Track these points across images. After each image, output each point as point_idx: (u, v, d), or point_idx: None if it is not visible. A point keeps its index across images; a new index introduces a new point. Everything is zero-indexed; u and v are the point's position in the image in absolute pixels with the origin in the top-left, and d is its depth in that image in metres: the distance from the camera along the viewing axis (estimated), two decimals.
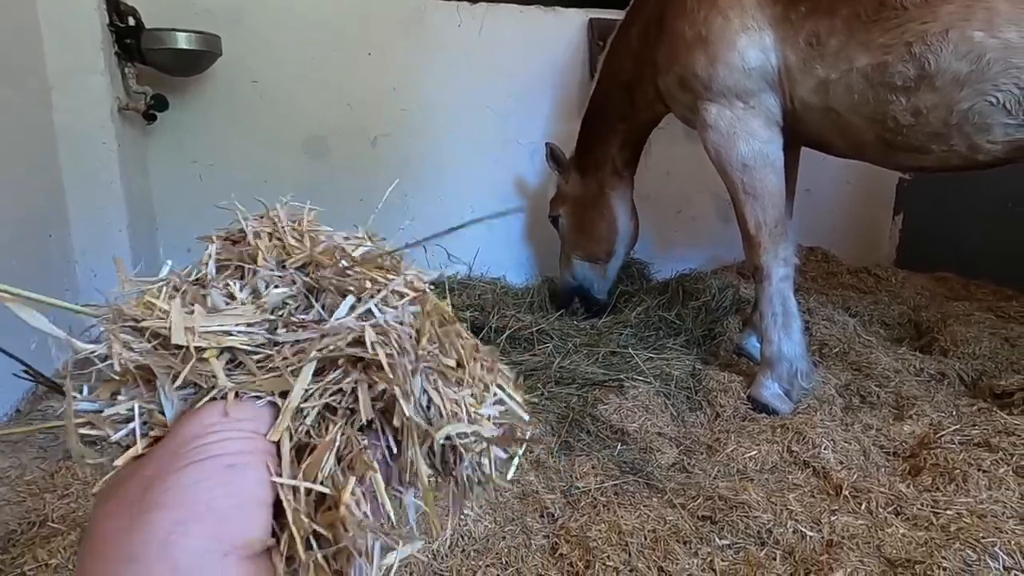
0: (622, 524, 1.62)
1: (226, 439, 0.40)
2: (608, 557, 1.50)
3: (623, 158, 3.08)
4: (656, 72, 2.52)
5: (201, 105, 3.18)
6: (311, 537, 0.40)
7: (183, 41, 2.78)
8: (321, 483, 0.41)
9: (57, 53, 2.57)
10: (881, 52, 1.94)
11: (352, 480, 0.41)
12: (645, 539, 1.58)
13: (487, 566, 1.50)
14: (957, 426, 2.04)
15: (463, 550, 1.53)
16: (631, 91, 2.79)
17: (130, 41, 2.74)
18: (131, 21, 2.77)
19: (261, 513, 0.40)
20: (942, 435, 1.98)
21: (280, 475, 0.41)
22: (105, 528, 0.38)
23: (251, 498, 0.39)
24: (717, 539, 1.61)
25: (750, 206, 2.29)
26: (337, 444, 0.43)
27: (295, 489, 0.41)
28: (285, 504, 0.40)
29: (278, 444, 0.43)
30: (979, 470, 1.80)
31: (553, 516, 1.70)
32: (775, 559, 1.54)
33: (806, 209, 3.64)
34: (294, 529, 0.40)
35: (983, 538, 1.51)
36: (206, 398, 0.43)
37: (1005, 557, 1.47)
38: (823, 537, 1.60)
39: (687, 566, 1.50)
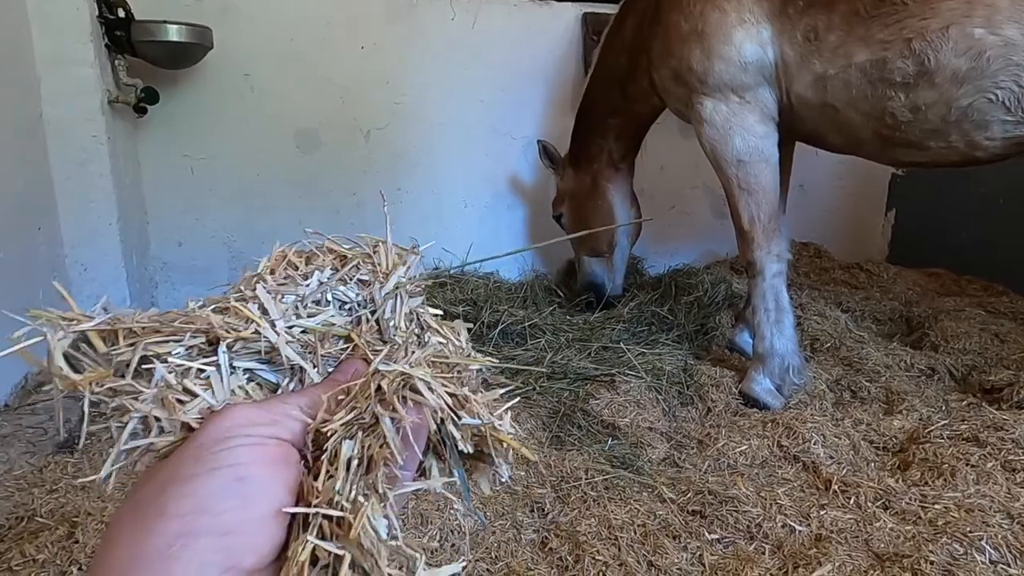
0: (612, 518, 1.62)
1: (240, 447, 0.40)
2: (598, 551, 1.51)
3: (620, 150, 3.07)
4: (651, 66, 2.51)
5: (192, 98, 3.16)
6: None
7: (174, 33, 2.76)
8: (337, 503, 0.40)
9: (46, 45, 2.54)
10: (880, 48, 1.93)
11: (370, 503, 0.40)
12: (635, 533, 1.58)
13: (477, 560, 1.50)
14: (946, 421, 2.05)
15: (452, 544, 1.54)
16: (625, 85, 2.78)
17: (120, 33, 2.72)
18: (121, 13, 2.74)
19: (269, 527, 0.39)
20: (931, 430, 1.99)
21: (298, 482, 0.41)
22: (121, 528, 0.38)
23: (259, 513, 0.39)
24: (707, 533, 1.62)
25: (744, 201, 2.29)
26: (358, 453, 0.42)
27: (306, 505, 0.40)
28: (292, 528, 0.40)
29: (301, 452, 0.43)
30: (967, 465, 1.80)
31: (543, 510, 1.70)
32: (764, 553, 1.55)
33: (799, 205, 3.65)
34: (291, 557, 0.39)
35: (970, 532, 1.52)
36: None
37: (992, 551, 1.48)
38: (812, 531, 1.61)
39: (676, 560, 1.51)
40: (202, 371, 0.45)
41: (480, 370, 0.52)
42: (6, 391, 2.23)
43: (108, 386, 0.44)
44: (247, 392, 0.46)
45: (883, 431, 2.07)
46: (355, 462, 0.41)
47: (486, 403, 0.48)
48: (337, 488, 0.40)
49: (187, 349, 0.45)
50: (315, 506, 0.40)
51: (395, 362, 0.46)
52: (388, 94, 3.41)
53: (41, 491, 1.72)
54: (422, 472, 0.49)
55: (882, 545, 1.55)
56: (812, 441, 1.97)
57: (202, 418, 0.43)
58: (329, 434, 0.42)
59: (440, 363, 0.48)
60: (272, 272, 0.53)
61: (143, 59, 2.84)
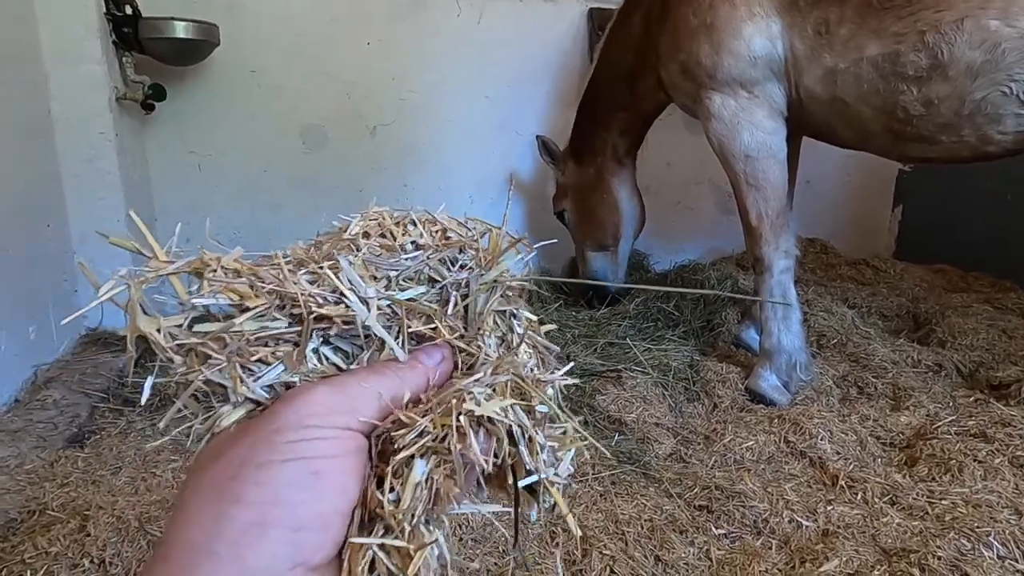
0: (619, 513, 1.63)
1: (317, 439, 0.39)
2: (605, 546, 1.51)
3: (624, 145, 3.06)
4: (658, 62, 2.49)
5: (199, 95, 3.17)
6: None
7: (181, 30, 2.77)
8: (399, 523, 0.39)
9: (53, 41, 2.55)
10: (893, 41, 1.92)
11: (432, 542, 0.39)
12: (642, 528, 1.59)
13: (485, 554, 1.51)
14: (954, 417, 2.04)
15: (460, 538, 1.54)
16: (632, 80, 2.77)
17: (127, 30, 2.73)
18: (128, 9, 2.75)
19: (337, 523, 0.39)
20: (939, 426, 1.99)
21: (365, 477, 0.41)
22: (195, 506, 0.38)
23: (330, 509, 0.39)
24: (713, 528, 1.62)
25: (752, 197, 2.27)
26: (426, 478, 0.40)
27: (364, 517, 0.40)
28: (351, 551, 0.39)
29: (369, 438, 0.42)
30: (975, 460, 1.80)
31: (550, 505, 1.70)
32: (771, 548, 1.55)
33: (805, 201, 3.64)
34: (351, 560, 0.39)
35: (978, 527, 1.52)
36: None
37: (999, 546, 1.48)
38: (819, 527, 1.61)
39: (683, 555, 1.51)
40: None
41: (555, 392, 0.50)
42: (16, 386, 2.25)
43: (179, 342, 0.42)
44: (319, 358, 0.44)
45: (890, 427, 2.07)
46: (422, 489, 0.40)
47: (549, 441, 0.46)
48: (401, 516, 0.39)
49: (272, 321, 0.43)
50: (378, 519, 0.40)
51: (480, 376, 0.44)
52: (394, 90, 3.41)
53: (52, 485, 1.74)
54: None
55: (889, 540, 1.55)
56: (819, 437, 1.98)
57: (271, 386, 0.42)
58: (400, 443, 0.41)
59: (518, 387, 0.46)
60: (366, 236, 0.50)
61: (150, 56, 2.85)
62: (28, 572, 1.40)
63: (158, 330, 0.42)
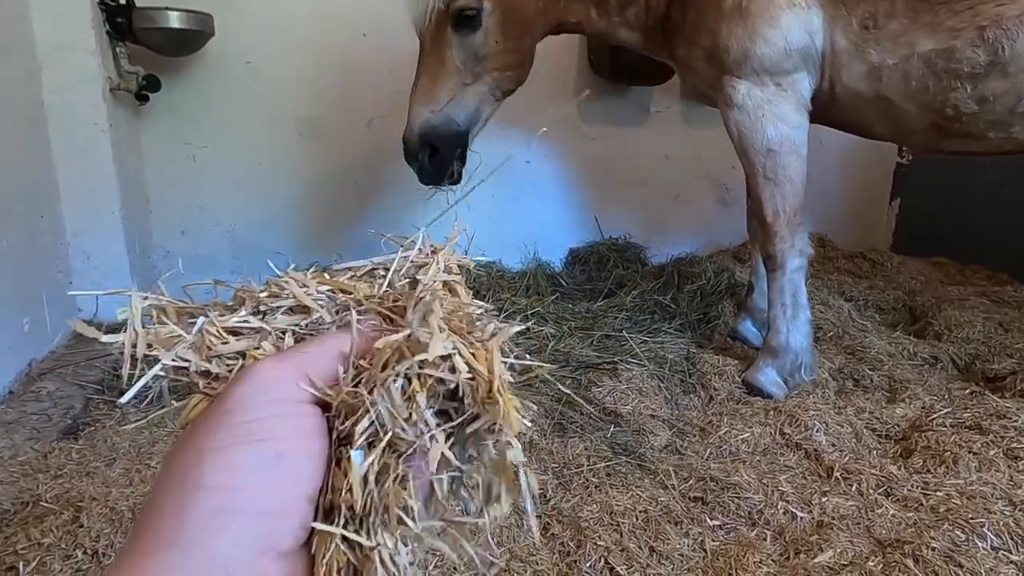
0: (614, 505, 1.63)
1: (278, 416, 0.39)
2: (599, 537, 1.51)
3: (567, 29, 2.59)
4: (677, 41, 2.27)
5: (194, 86, 3.15)
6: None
7: (175, 20, 2.74)
8: (355, 520, 0.38)
9: (46, 31, 2.53)
10: (949, 36, 1.86)
11: (382, 547, 0.39)
12: (636, 519, 1.59)
13: (477, 546, 1.50)
14: (949, 409, 2.05)
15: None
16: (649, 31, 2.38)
17: (121, 20, 2.70)
18: None
19: (303, 508, 0.38)
20: (934, 418, 1.99)
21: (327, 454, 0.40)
22: (163, 494, 0.37)
23: (293, 495, 0.38)
24: (708, 519, 1.62)
25: (770, 192, 2.17)
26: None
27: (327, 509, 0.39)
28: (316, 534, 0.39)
29: (329, 419, 0.41)
30: (970, 452, 1.81)
31: (545, 496, 1.70)
32: (765, 539, 1.55)
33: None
34: (319, 552, 0.38)
35: (972, 519, 1.53)
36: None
37: (993, 537, 1.48)
38: (813, 518, 1.62)
39: (678, 546, 1.51)
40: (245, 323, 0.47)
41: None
42: (10, 378, 2.24)
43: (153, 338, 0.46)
44: (282, 342, 0.47)
45: (886, 419, 2.07)
46: (370, 484, 0.39)
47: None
48: (357, 509, 0.39)
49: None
50: (337, 515, 0.39)
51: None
52: (391, 82, 3.39)
53: (46, 476, 1.73)
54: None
55: (884, 531, 1.55)
56: (814, 429, 1.98)
57: (231, 370, 0.44)
58: (338, 429, 0.41)
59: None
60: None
61: (144, 46, 2.83)
62: (21, 563, 1.39)
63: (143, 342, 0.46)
